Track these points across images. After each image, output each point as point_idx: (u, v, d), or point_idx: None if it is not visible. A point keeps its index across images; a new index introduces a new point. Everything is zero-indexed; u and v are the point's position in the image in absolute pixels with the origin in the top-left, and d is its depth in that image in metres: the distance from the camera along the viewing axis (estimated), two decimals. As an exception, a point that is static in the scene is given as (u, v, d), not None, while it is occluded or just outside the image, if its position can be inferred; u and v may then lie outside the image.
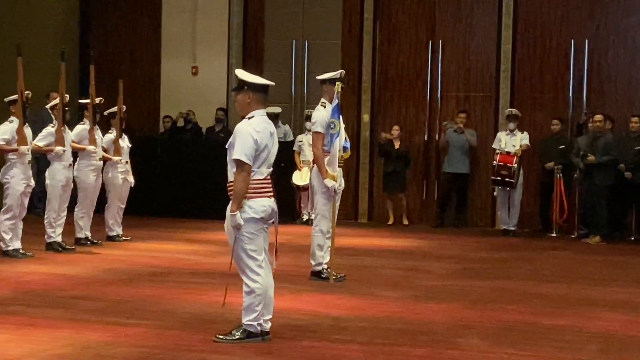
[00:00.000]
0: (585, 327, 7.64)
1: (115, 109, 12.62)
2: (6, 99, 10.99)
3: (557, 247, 13.47)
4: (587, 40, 15.52)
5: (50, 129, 11.35)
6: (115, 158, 12.49)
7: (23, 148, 10.70)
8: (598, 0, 15.57)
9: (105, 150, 12.24)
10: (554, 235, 14.47)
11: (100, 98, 12.55)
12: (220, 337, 6.76)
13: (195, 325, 7.27)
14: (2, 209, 10.87)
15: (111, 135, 12.47)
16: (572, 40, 15.58)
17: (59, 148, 11.23)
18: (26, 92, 11.03)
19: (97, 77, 12.69)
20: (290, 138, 15.60)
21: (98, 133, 12.13)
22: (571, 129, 15.32)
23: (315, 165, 9.79)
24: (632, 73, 15.48)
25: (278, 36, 16.91)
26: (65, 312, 7.79)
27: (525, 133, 14.74)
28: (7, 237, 10.79)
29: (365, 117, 16.48)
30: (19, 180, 10.78)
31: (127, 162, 12.65)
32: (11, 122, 10.78)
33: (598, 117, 14.06)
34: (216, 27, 16.84)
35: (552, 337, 7.22)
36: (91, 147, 11.80)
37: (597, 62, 15.57)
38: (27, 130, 10.92)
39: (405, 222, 15.92)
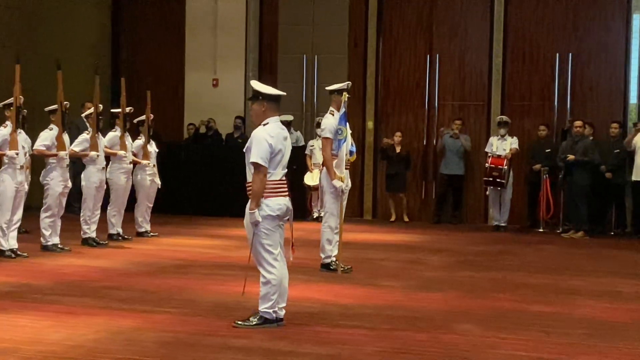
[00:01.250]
0: (570, 314, 7.64)
1: (143, 117, 12.64)
2: (47, 109, 11.00)
3: (543, 241, 13.45)
4: (570, 54, 15.51)
5: (85, 136, 11.37)
6: (144, 162, 12.51)
7: (62, 153, 10.70)
8: (581, 17, 15.55)
9: (134, 155, 12.25)
10: (541, 230, 14.45)
11: (130, 107, 12.57)
12: (239, 323, 6.78)
13: (216, 313, 7.28)
14: (43, 208, 10.88)
15: (140, 141, 12.50)
16: (557, 54, 15.57)
17: (93, 153, 11.24)
18: (65, 102, 11.07)
19: (126, 89, 12.72)
20: (302, 143, 15.60)
21: (128, 139, 12.18)
22: (556, 134, 15.29)
23: (324, 167, 9.79)
24: (612, 83, 15.46)
25: (290, 51, 16.92)
26: (99, 300, 7.82)
27: (515, 138, 14.74)
28: (47, 233, 10.82)
29: (370, 124, 16.49)
30: (57, 182, 10.80)
31: (154, 165, 12.65)
32: (51, 129, 10.80)
33: (578, 123, 14.10)
34: (234, 44, 16.84)
35: (540, 323, 7.21)
36: (122, 152, 11.83)
37: (580, 74, 15.55)
38: (65, 137, 10.94)
39: (406, 219, 15.90)
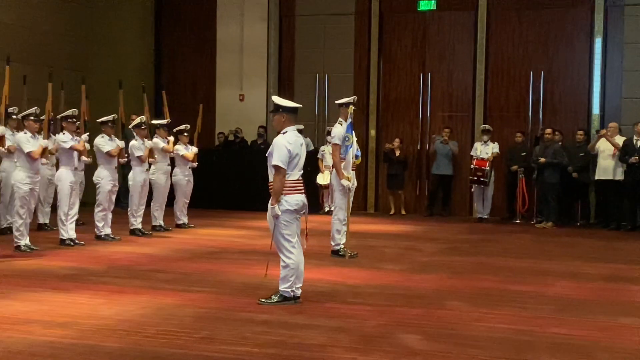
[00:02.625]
0: (542, 292, 7.63)
1: (184, 126, 12.64)
2: (99, 120, 11.04)
3: (520, 230, 13.41)
4: (542, 72, 15.47)
5: (134, 143, 11.41)
6: (194, 164, 12.61)
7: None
8: (551, 41, 15.50)
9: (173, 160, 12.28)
10: (518, 221, 14.40)
11: (168, 119, 12.63)
12: (263, 300, 6.80)
13: (243, 292, 7.30)
14: (96, 204, 10.92)
15: (180, 147, 12.48)
16: (531, 72, 15.54)
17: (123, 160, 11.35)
18: (113, 115, 11.16)
19: (167, 103, 12.89)
20: (312, 148, 15.51)
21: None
22: (531, 140, 15.26)
23: (334, 169, 9.80)
24: (577, 97, 15.42)
25: (305, 71, 16.92)
26: (145, 281, 7.85)
27: (496, 143, 14.71)
28: (100, 225, 10.85)
29: (372, 132, 16.47)
30: (107, 181, 10.82)
31: (190, 167, 12.66)
32: (102, 137, 10.84)
33: (548, 130, 14.17)
34: (258, 64, 16.85)
35: (517, 300, 7.21)
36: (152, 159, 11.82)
37: (551, 88, 15.52)
38: (121, 143, 11.03)
39: (403, 212, 15.88)
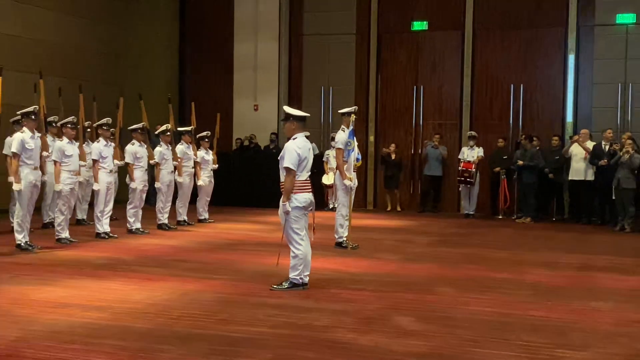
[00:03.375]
0: (521, 279, 7.64)
1: (205, 133, 12.65)
2: (130, 128, 11.07)
3: (502, 225, 13.43)
4: (522, 85, 15.47)
5: (159, 148, 11.43)
6: (214, 166, 12.65)
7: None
8: (529, 57, 15.49)
9: (195, 164, 12.28)
10: (500, 217, 14.39)
11: (194, 126, 12.65)
12: (274, 286, 6.81)
13: (257, 279, 7.30)
14: (128, 202, 10.95)
15: (201, 152, 12.49)
16: (512, 85, 15.54)
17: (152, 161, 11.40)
18: (142, 123, 11.18)
19: (189, 112, 12.92)
20: (317, 152, 15.48)
21: (190, 149, 12.18)
22: (512, 145, 15.24)
23: (337, 170, 9.80)
24: (553, 107, 15.41)
25: (311, 84, 16.94)
26: (171, 270, 7.86)
27: (481, 148, 14.71)
28: (131, 220, 10.88)
29: (371, 138, 16.47)
30: (139, 182, 10.86)
31: (211, 169, 12.67)
32: (133, 144, 10.87)
33: (528, 137, 14.16)
34: (270, 78, 16.87)
35: (499, 286, 7.22)
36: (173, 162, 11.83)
37: (529, 99, 15.51)
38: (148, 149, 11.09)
39: (399, 209, 15.87)
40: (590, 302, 6.50)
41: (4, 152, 9.21)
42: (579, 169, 13.36)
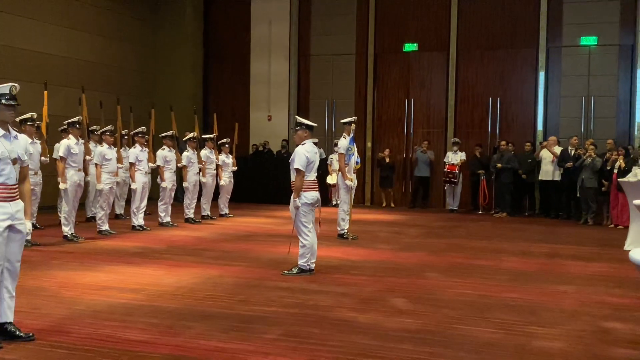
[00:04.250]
0: (498, 266, 7.62)
1: (225, 140, 12.64)
2: (161, 135, 11.08)
3: (481, 219, 13.39)
4: (498, 98, 15.43)
5: (186, 153, 11.44)
6: (234, 168, 12.62)
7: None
8: (505, 74, 15.45)
9: (217, 166, 12.29)
10: (480, 212, 14.36)
11: (216, 134, 12.65)
12: (285, 272, 6.82)
13: (271, 265, 7.31)
14: (159, 199, 10.96)
15: (222, 156, 12.50)
16: (490, 98, 15.49)
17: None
18: (172, 131, 11.20)
19: (210, 123, 12.92)
20: (324, 156, 15.49)
21: (213, 154, 12.19)
22: (490, 150, 15.19)
23: (340, 172, 9.80)
24: (525, 117, 15.35)
25: (317, 97, 16.91)
26: (196, 257, 7.88)
27: (463, 152, 14.68)
28: (162, 214, 10.89)
29: (369, 144, 16.43)
30: (168, 181, 10.87)
31: (231, 171, 12.67)
32: (163, 149, 10.88)
33: (503, 142, 14.19)
34: (281, 92, 16.86)
35: (480, 272, 7.21)
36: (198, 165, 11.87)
37: (505, 110, 15.46)
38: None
39: (392, 205, 15.85)
40: (558, 286, 6.48)
41: (54, 156, 9.24)
42: (548, 170, 13.34)
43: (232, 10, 17.29)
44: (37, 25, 13.26)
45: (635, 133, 14.28)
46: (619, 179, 10.16)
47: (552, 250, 8.95)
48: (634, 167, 10.01)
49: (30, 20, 13.12)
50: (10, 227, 4.30)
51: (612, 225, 11.89)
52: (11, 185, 4.34)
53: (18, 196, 4.40)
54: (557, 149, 13.31)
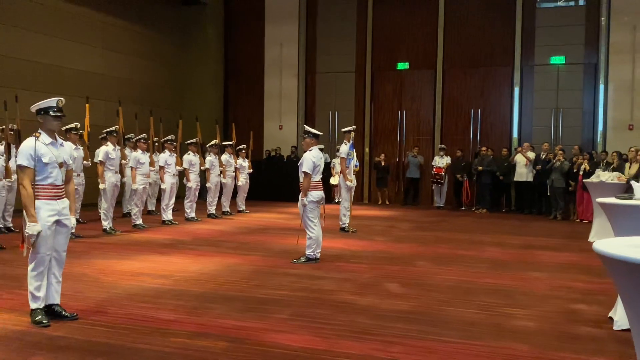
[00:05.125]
0: (479, 255, 7.59)
1: (242, 146, 12.63)
2: (187, 142, 11.08)
3: (464, 215, 13.35)
4: (479, 110, 15.39)
5: (208, 158, 11.43)
6: (250, 171, 12.58)
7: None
8: (485, 89, 15.41)
9: (236, 169, 12.28)
10: (463, 209, 14.32)
11: (235, 141, 12.66)
12: (294, 260, 6.82)
13: (282, 255, 7.29)
14: (185, 197, 10.94)
15: (240, 160, 12.48)
16: (472, 110, 15.46)
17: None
18: (196, 139, 11.20)
19: (229, 131, 12.90)
20: (328, 160, 15.44)
21: (232, 158, 12.18)
22: (472, 155, 15.14)
23: (341, 174, 9.79)
24: (502, 126, 15.29)
25: (322, 109, 16.89)
26: (217, 248, 7.87)
27: (448, 157, 14.61)
28: (188, 211, 10.87)
29: (367, 149, 16.39)
30: (193, 182, 10.85)
31: (247, 173, 12.66)
32: (189, 154, 10.88)
33: (483, 148, 14.11)
34: (291, 105, 16.86)
35: (463, 261, 7.18)
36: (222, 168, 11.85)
37: (485, 120, 15.41)
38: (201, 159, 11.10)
39: (387, 202, 15.81)
40: (531, 272, 6.46)
41: (94, 160, 9.27)
42: (522, 172, 13.28)
43: (249, 34, 17.30)
44: (80, 47, 13.30)
45: (598, 140, 14.23)
46: (584, 180, 10.12)
47: (525, 242, 8.93)
48: (597, 169, 9.97)
49: (74, 42, 13.16)
50: (57, 222, 4.33)
51: (578, 220, 11.84)
52: (58, 185, 4.36)
53: (64, 195, 4.42)
54: (530, 154, 13.27)
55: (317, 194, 6.76)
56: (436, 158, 14.80)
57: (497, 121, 15.36)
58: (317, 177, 6.80)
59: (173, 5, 16.36)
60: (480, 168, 13.66)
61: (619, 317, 4.22)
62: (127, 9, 14.68)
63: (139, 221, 9.78)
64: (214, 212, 11.59)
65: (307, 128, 7.04)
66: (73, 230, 4.62)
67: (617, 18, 13.92)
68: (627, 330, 2.63)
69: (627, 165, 10.44)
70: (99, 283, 5.62)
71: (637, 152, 10.01)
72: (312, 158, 6.69)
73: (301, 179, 6.74)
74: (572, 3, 14.97)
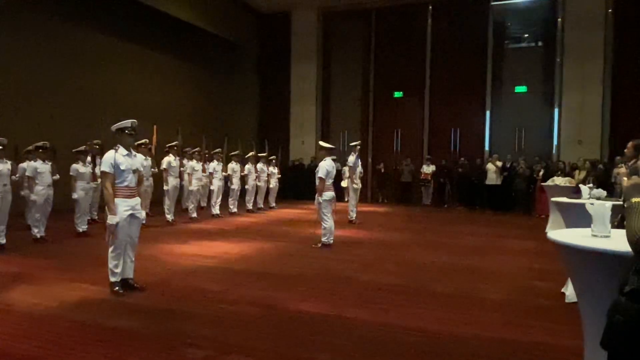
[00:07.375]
0: (459, 242, 7.51)
1: (273, 157, 12.58)
2: (231, 154, 11.07)
3: (446, 211, 13.21)
4: (458, 129, 15.23)
5: (247, 166, 11.38)
6: (279, 176, 12.54)
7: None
8: (463, 112, 15.23)
9: (268, 174, 12.21)
10: (445, 206, 14.17)
11: (267, 153, 12.68)
12: (313, 245, 6.78)
13: (303, 242, 7.27)
14: (229, 196, 10.92)
15: (271, 168, 12.46)
16: (452, 128, 15.31)
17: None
18: (238, 151, 11.21)
19: (263, 146, 12.92)
20: (339, 168, 15.20)
21: (264, 167, 12.13)
22: (452, 164, 14.97)
23: (349, 178, 9.76)
24: (477, 141, 15.07)
25: (335, 129, 16.84)
26: (249, 235, 7.85)
27: (434, 165, 14.49)
28: (231, 207, 10.73)
29: (369, 160, 16.26)
30: (235, 185, 10.81)
31: (277, 178, 12.63)
32: (232, 163, 10.84)
33: (462, 158, 13.91)
34: (310, 125, 16.84)
35: (446, 247, 7.10)
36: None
37: (463, 137, 15.24)
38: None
39: (386, 201, 15.70)
40: (499, 256, 6.38)
41: (160, 168, 9.37)
42: (492, 177, 13.10)
43: (278, 69, 17.37)
44: (149, 82, 13.48)
45: (554, 152, 14.03)
46: (542, 184, 9.98)
47: (496, 232, 8.82)
48: (554, 176, 9.86)
49: (148, 80, 13.34)
50: (131, 215, 4.40)
51: (537, 216, 11.67)
52: (132, 187, 4.44)
53: (137, 194, 4.50)
54: (499, 163, 13.11)
55: (330, 194, 6.75)
56: (424, 166, 14.68)
57: (473, 137, 15.19)
58: (330, 181, 6.80)
59: (222, 50, 16.49)
60: (460, 170, 13.48)
61: (569, 292, 4.17)
62: (186, 54, 14.84)
63: (194, 214, 9.83)
64: (251, 208, 11.58)
65: (322, 143, 7.06)
66: (144, 222, 4.69)
67: (569, 56, 13.79)
68: (575, 302, 2.60)
69: (577, 172, 10.29)
70: (163, 262, 5.68)
71: (584, 161, 9.87)
72: (327, 167, 6.69)
73: (317, 183, 6.75)
74: (532, 44, 14.87)
